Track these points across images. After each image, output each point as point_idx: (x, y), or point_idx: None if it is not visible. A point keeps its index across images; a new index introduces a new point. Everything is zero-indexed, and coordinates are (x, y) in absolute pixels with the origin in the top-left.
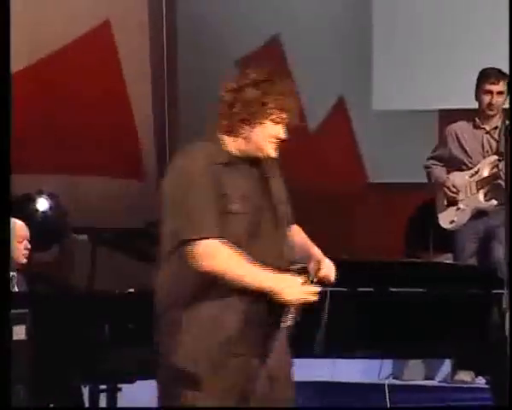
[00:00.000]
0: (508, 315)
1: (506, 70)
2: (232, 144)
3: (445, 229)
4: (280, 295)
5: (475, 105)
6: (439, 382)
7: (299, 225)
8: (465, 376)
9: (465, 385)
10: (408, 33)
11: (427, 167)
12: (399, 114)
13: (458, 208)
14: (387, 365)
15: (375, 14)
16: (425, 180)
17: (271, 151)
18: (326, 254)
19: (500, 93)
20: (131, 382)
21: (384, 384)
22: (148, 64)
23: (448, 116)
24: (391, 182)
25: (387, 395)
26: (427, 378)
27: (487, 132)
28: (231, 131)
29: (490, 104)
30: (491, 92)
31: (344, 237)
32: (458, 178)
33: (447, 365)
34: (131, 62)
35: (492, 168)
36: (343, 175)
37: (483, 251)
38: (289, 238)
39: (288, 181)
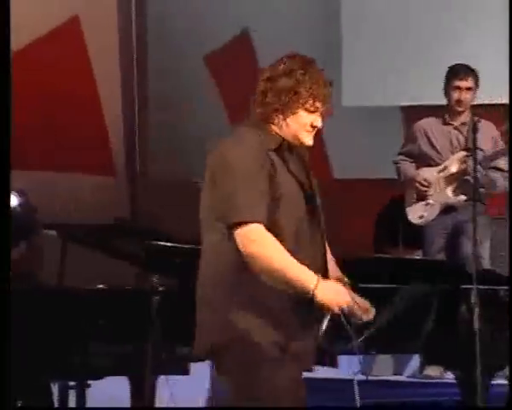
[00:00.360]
0: (476, 311)
1: (474, 66)
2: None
3: (413, 225)
4: (314, 295)
5: (443, 101)
6: (408, 377)
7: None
8: (433, 371)
9: (433, 380)
10: (377, 29)
11: (396, 163)
12: (369, 110)
13: (427, 204)
14: (356, 360)
15: (344, 10)
16: (394, 176)
17: (307, 139)
18: None
19: (469, 89)
20: (100, 378)
21: (353, 380)
22: (117, 64)
23: (416, 112)
24: (360, 178)
25: (356, 390)
26: (395, 374)
27: (456, 128)
28: (266, 120)
29: (458, 100)
30: (459, 88)
31: None
32: (427, 174)
33: (416, 360)
34: (101, 61)
35: (461, 164)
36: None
37: (451, 246)
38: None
39: None
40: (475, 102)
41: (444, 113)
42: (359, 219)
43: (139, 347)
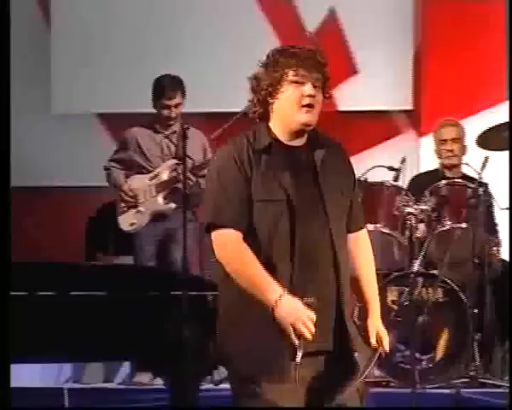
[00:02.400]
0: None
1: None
2: (275, 129)
3: (125, 231)
4: (273, 310)
5: (150, 108)
6: (119, 384)
7: None
8: (143, 377)
9: (144, 387)
10: (85, 36)
11: (106, 169)
12: (79, 117)
13: (138, 211)
14: (67, 368)
15: (54, 17)
16: (106, 183)
17: (302, 117)
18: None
19: (178, 105)
20: None
21: (63, 388)
22: None
23: (123, 120)
24: (70, 186)
25: (67, 399)
26: (106, 381)
27: (167, 137)
28: (261, 119)
29: (169, 117)
30: (169, 106)
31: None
32: (138, 182)
33: (126, 366)
34: None
35: (171, 172)
36: None
37: (162, 253)
38: (352, 247)
39: None
40: (186, 111)
41: (154, 121)
42: (71, 226)
43: None
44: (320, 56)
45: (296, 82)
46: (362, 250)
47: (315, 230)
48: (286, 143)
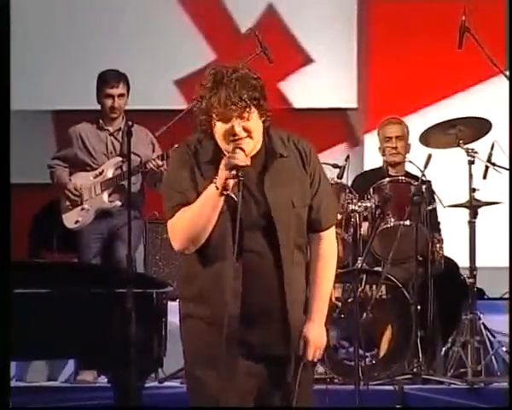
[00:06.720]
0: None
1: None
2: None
3: (69, 230)
4: (218, 188)
5: (96, 106)
6: (62, 382)
7: None
8: (87, 376)
9: (87, 385)
10: (41, 34)
11: (50, 167)
12: (19, 113)
13: (83, 209)
14: (10, 366)
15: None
16: (49, 180)
17: (233, 151)
18: None
19: (121, 95)
20: None
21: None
22: None
23: (67, 117)
24: (16, 183)
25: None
26: (50, 379)
27: (111, 134)
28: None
29: (112, 108)
30: (112, 96)
31: None
32: (82, 179)
33: (70, 365)
34: None
35: (116, 169)
36: None
37: (107, 251)
38: (312, 248)
39: None
40: (130, 107)
41: (99, 118)
42: (19, 223)
43: None
44: (249, 77)
45: (220, 120)
46: (320, 252)
47: (260, 241)
48: None
